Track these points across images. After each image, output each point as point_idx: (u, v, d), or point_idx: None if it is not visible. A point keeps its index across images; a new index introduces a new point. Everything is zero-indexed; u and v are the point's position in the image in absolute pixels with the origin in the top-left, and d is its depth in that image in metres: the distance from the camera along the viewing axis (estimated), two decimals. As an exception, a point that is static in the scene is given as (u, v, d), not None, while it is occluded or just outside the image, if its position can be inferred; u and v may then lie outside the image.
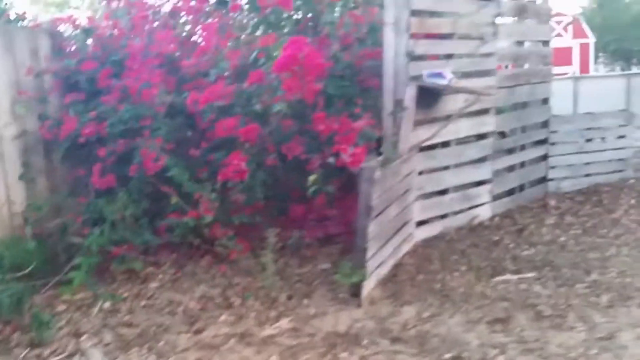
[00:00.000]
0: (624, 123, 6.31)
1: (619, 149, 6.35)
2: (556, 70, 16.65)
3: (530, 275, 3.86)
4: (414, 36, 4.34)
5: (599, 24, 18.82)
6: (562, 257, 4.15)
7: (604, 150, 6.26)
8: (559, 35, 17.50)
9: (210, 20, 4.77)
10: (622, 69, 20.89)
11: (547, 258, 4.15)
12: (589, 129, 6.15)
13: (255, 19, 4.70)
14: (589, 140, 6.16)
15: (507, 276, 3.86)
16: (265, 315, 3.46)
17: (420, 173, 4.70)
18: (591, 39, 17.62)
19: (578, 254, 4.22)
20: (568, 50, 17.40)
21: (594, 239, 4.54)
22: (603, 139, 6.24)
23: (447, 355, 2.94)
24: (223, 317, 3.42)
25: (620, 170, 6.33)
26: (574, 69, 17.26)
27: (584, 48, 17.37)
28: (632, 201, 5.49)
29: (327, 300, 3.65)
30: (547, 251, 4.31)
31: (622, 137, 6.39)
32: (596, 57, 20.12)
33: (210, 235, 4.07)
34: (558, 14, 17.57)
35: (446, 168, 4.93)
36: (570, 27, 17.37)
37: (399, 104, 4.34)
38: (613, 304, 3.38)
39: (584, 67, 17.38)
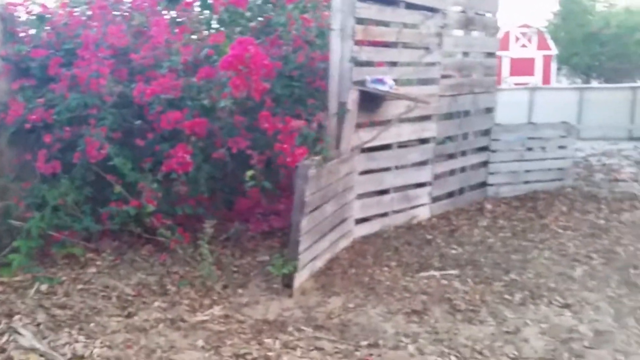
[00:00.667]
0: (564, 134, 6.66)
1: (558, 159, 6.70)
2: (518, 79, 17.19)
3: (453, 272, 4.10)
4: (359, 43, 4.54)
5: (562, 37, 19.49)
6: (486, 257, 4.41)
7: (544, 159, 6.60)
8: (523, 46, 18.05)
9: (163, 15, 4.86)
10: (583, 82, 21.64)
11: (472, 257, 4.40)
12: (531, 138, 6.48)
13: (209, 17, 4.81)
14: (529, 149, 6.49)
15: (432, 272, 4.10)
16: (198, 302, 3.61)
17: (362, 173, 4.91)
18: (554, 51, 18.21)
19: (502, 254, 4.49)
20: (531, 61, 17.96)
21: (520, 242, 4.81)
22: (543, 148, 6.57)
23: (364, 342, 3.14)
24: (156, 304, 3.56)
25: (559, 179, 6.69)
26: (536, 79, 17.82)
27: (546, 60, 17.94)
28: (564, 208, 5.83)
29: (261, 290, 3.82)
30: (473, 251, 4.57)
31: (562, 147, 6.74)
32: (558, 69, 20.78)
33: (153, 224, 4.19)
34: (524, 26, 18.15)
35: (387, 169, 5.15)
36: (534, 39, 17.92)
37: (342, 106, 4.54)
38: (524, 301, 3.64)
39: (546, 78, 17.96)
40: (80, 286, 3.70)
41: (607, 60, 20.66)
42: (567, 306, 3.55)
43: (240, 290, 3.81)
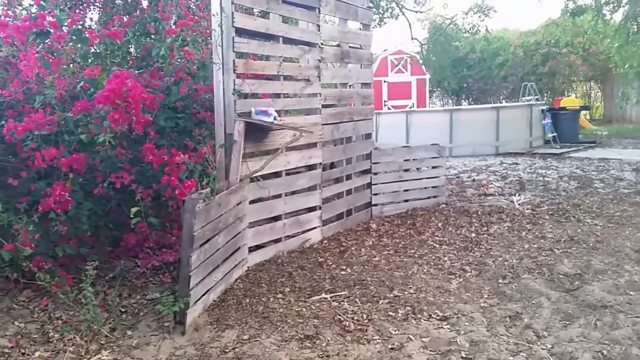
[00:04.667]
0: (436, 155, 7.25)
1: (433, 178, 7.27)
2: (397, 102, 18.24)
3: (342, 293, 4.28)
4: (241, 76, 4.66)
5: (433, 62, 21.11)
6: (372, 276, 4.66)
7: (420, 179, 7.13)
8: (399, 71, 19.27)
9: (32, 48, 4.63)
10: (454, 103, 23.55)
11: (360, 277, 4.63)
12: (407, 160, 6.97)
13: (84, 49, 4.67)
14: (406, 170, 6.97)
15: (323, 295, 4.25)
16: (84, 348, 3.44)
17: (253, 202, 4.99)
18: (427, 75, 19.65)
19: (386, 272, 4.76)
20: (407, 85, 19.22)
21: (402, 259, 5.14)
22: (418, 169, 7.10)
23: (258, 374, 3.20)
24: (37, 354, 3.35)
25: (435, 196, 7.25)
26: (412, 101, 19.10)
27: (420, 83, 19.30)
28: (440, 224, 6.31)
29: (151, 330, 3.72)
30: (361, 270, 4.81)
31: (435, 167, 7.33)
32: (432, 92, 22.44)
33: (31, 268, 3.94)
34: (398, 52, 19.39)
35: (278, 196, 5.28)
36: (408, 65, 19.23)
37: (229, 137, 4.62)
38: (407, 317, 3.89)
39: (421, 101, 19.27)
40: (-55, 344, 3.38)
41: (473, 82, 22.69)
42: (445, 319, 3.83)
43: (129, 332, 3.68)
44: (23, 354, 3.34)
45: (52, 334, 3.60)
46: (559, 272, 4.67)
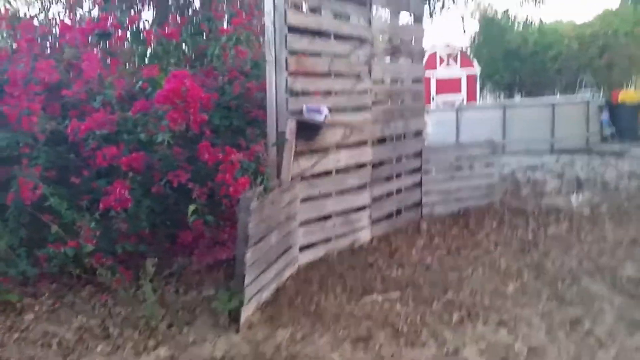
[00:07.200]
0: (489, 152, 7.06)
1: (486, 176, 7.08)
2: (445, 97, 17.94)
3: (394, 294, 4.23)
4: (293, 74, 4.65)
5: (484, 56, 20.62)
6: (424, 277, 4.58)
7: (473, 177, 6.96)
8: (448, 65, 18.91)
9: (94, 50, 4.79)
10: (506, 97, 22.92)
11: (412, 278, 4.56)
12: (459, 157, 6.82)
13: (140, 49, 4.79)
14: (459, 168, 6.82)
15: (375, 296, 4.21)
16: (143, 344, 3.53)
17: (304, 200, 5.00)
18: (477, 69, 19.20)
19: (439, 274, 4.67)
20: (457, 79, 18.85)
21: (456, 260, 5.03)
22: (471, 167, 6.93)
23: (313, 374, 3.20)
24: (99, 348, 3.46)
25: (488, 195, 7.06)
26: (463, 96, 18.72)
27: (470, 78, 18.89)
28: (494, 224, 6.15)
29: (207, 327, 3.77)
30: (413, 272, 4.74)
31: (489, 165, 7.14)
32: (482, 86, 21.93)
33: (92, 264, 4.08)
34: (448, 46, 19.02)
35: (328, 195, 5.27)
36: (458, 58, 18.85)
37: (281, 136, 4.63)
38: (462, 320, 3.80)
39: (471, 95, 18.87)
40: (16, 335, 3.53)
41: (526, 76, 22.07)
42: (502, 323, 3.72)
43: (186, 329, 3.74)
44: (86, 348, 3.45)
45: (112, 329, 3.70)
46: (622, 276, 4.47)
